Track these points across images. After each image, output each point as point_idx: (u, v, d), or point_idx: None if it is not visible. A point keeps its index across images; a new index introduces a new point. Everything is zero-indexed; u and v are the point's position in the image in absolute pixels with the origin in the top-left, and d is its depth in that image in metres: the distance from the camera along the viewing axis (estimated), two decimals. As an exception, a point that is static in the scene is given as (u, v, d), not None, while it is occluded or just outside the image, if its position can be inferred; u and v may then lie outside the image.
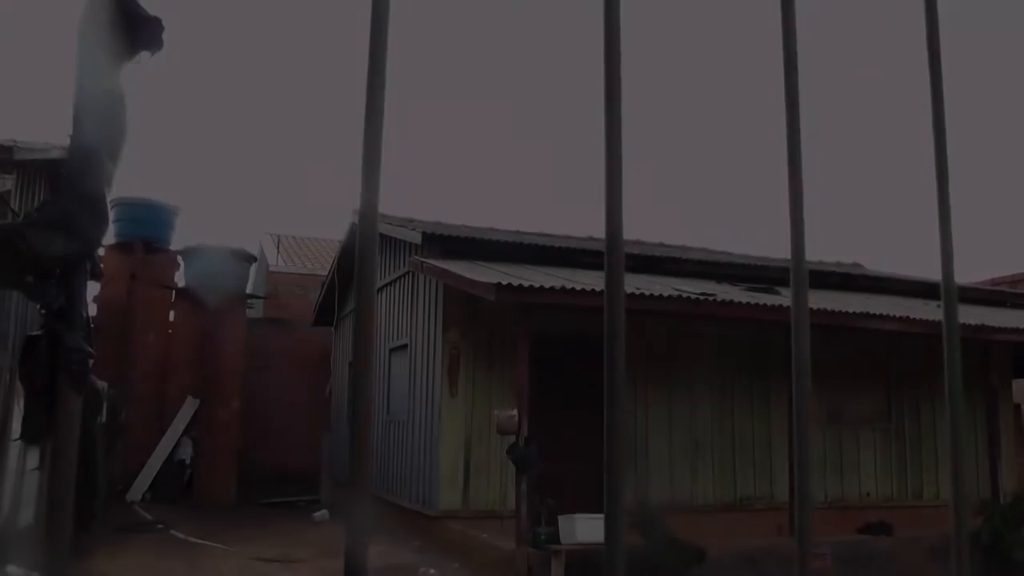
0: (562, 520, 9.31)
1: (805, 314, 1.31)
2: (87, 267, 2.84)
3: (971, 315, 12.85)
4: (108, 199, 2.85)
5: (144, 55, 2.91)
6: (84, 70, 2.80)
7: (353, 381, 1.05)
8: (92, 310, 17.29)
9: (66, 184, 2.79)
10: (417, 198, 69.25)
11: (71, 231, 2.73)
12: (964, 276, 27.33)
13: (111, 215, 16.57)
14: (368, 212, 1.04)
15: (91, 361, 2.76)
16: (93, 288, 17.28)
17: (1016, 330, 11.98)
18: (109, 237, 18.17)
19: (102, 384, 13.15)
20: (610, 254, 1.11)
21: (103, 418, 12.95)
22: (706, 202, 67.81)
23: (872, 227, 62.80)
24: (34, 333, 2.74)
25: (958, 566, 1.40)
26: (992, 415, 12.64)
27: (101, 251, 17.12)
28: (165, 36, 2.93)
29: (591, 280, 10.29)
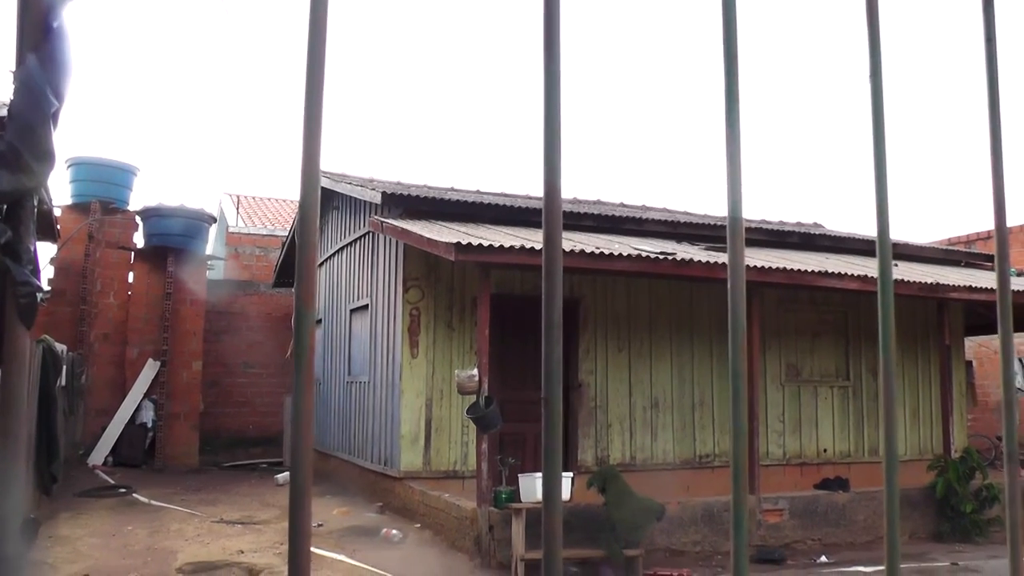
0: (522, 479, 9.38)
1: (741, 269, 1.31)
2: (34, 203, 2.80)
3: (926, 274, 13.03)
4: (54, 135, 2.80)
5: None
6: (25, 6, 2.74)
7: (296, 320, 1.05)
8: (50, 272, 17.13)
9: (10, 120, 2.72)
10: (379, 158, 68.89)
11: (16, 167, 2.68)
12: (921, 236, 27.67)
13: (68, 175, 16.26)
14: (311, 135, 1.02)
15: (39, 296, 2.73)
16: (50, 250, 17.10)
17: (969, 288, 12.15)
18: (66, 198, 17.92)
19: (61, 347, 13.02)
20: (548, 198, 1.11)
21: (63, 381, 12.84)
22: (667, 163, 67.96)
23: (835, 188, 63.32)
24: None
25: (889, 513, 1.43)
26: (945, 372, 12.86)
27: (58, 211, 16.91)
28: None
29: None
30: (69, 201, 17.98)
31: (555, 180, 1.14)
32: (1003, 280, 1.40)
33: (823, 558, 10.32)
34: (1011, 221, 20.75)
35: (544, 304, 1.10)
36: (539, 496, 9.15)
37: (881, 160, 1.39)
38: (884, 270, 1.38)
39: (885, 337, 1.41)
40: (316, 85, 1.06)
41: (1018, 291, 12.70)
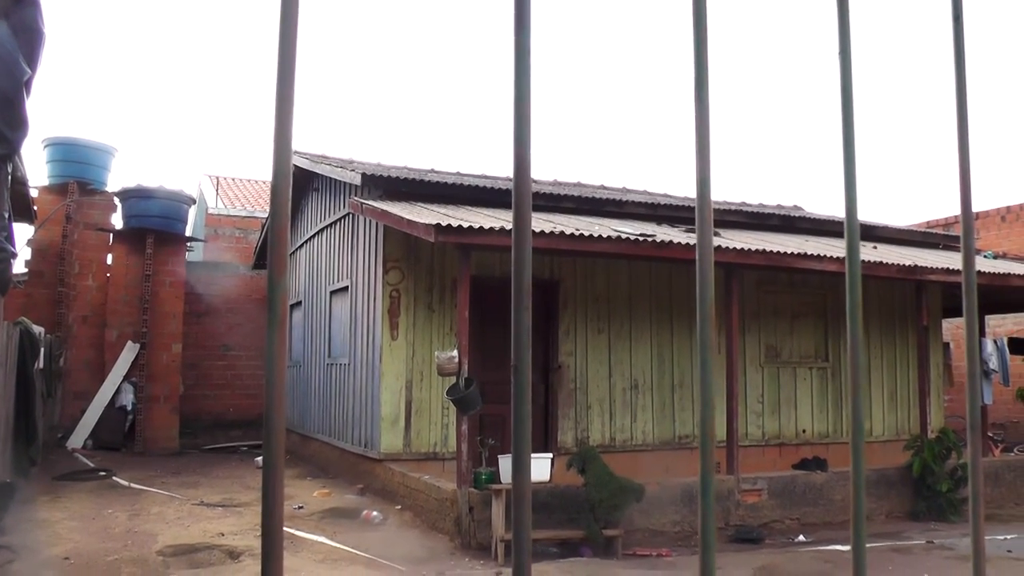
0: (502, 460, 9.40)
1: (709, 251, 1.32)
2: (8, 170, 2.78)
3: (905, 256, 13.12)
4: (27, 103, 2.77)
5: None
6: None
7: (269, 284, 1.04)
8: (27, 254, 16.98)
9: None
10: (359, 140, 68.64)
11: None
12: (900, 220, 27.80)
13: (45, 155, 16.05)
14: (283, 101, 1.02)
15: (13, 260, 2.73)
16: (27, 231, 16.95)
17: (947, 270, 12.23)
18: (43, 178, 17.74)
19: (39, 329, 12.94)
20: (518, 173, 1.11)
21: (41, 364, 12.77)
22: (648, 147, 68.01)
23: (815, 172, 63.52)
24: None
25: (856, 493, 1.44)
26: (922, 353, 12.96)
27: (34, 192, 16.74)
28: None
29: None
30: (46, 182, 17.79)
31: (525, 145, 1.13)
32: (968, 253, 1.41)
33: (801, 537, 10.42)
34: (989, 205, 20.95)
35: (514, 270, 1.10)
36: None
37: (850, 139, 1.40)
38: (852, 248, 1.39)
39: (853, 314, 1.42)
40: (289, 48, 1.06)
41: (993, 273, 12.82)
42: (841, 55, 1.41)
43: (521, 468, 1.09)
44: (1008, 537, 10.11)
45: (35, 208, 16.42)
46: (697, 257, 1.26)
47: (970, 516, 1.40)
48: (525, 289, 1.11)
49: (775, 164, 64.88)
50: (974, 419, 1.43)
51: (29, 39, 2.79)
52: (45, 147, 17.83)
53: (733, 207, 15.67)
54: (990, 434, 16.58)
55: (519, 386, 1.10)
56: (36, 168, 17.89)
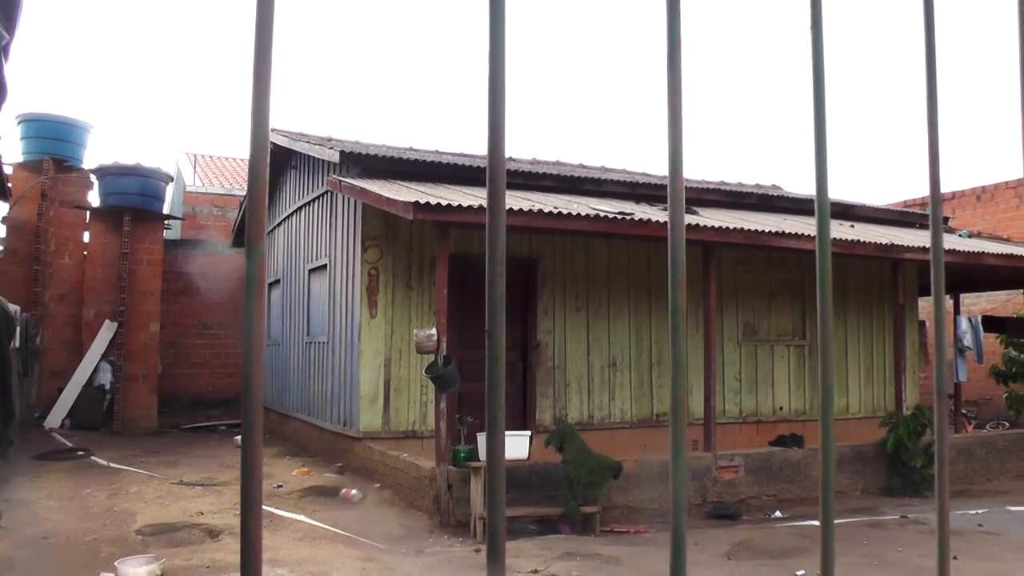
0: (481, 437, 9.43)
1: (681, 230, 1.33)
2: None
3: (882, 235, 13.20)
4: (6, 68, 2.74)
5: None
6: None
7: (247, 249, 1.05)
8: (1, 231, 16.82)
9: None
10: (338, 119, 68.26)
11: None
12: (878, 199, 27.97)
13: (19, 132, 15.86)
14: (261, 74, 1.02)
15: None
16: (1, 209, 16.79)
17: (923, 249, 12.32)
18: (17, 155, 17.55)
19: (15, 307, 12.85)
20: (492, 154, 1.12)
21: (16, 343, 12.68)
22: (627, 126, 67.98)
23: (795, 151, 63.73)
24: None
25: (824, 472, 1.46)
26: (898, 331, 13.08)
27: (8, 169, 16.56)
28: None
29: (509, 200, 10.28)
30: (20, 159, 17.60)
31: (499, 114, 1.14)
32: (936, 224, 1.43)
33: (778, 513, 10.51)
34: (964, 185, 21.14)
35: (488, 235, 1.11)
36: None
37: (821, 114, 1.41)
38: (822, 224, 1.41)
39: (823, 283, 1.44)
40: (266, 26, 1.06)
41: (968, 251, 12.93)
42: (813, 28, 1.42)
43: (495, 432, 1.10)
44: (979, 511, 10.26)
45: (10, 185, 16.26)
46: (669, 221, 1.27)
47: (936, 479, 1.43)
48: (499, 255, 1.12)
49: (754, 144, 65.02)
50: (940, 387, 1.45)
51: (7, 3, 2.77)
52: (19, 123, 17.61)
53: (712, 186, 15.70)
54: (964, 411, 16.77)
55: (493, 351, 1.11)
56: (10, 145, 17.67)
